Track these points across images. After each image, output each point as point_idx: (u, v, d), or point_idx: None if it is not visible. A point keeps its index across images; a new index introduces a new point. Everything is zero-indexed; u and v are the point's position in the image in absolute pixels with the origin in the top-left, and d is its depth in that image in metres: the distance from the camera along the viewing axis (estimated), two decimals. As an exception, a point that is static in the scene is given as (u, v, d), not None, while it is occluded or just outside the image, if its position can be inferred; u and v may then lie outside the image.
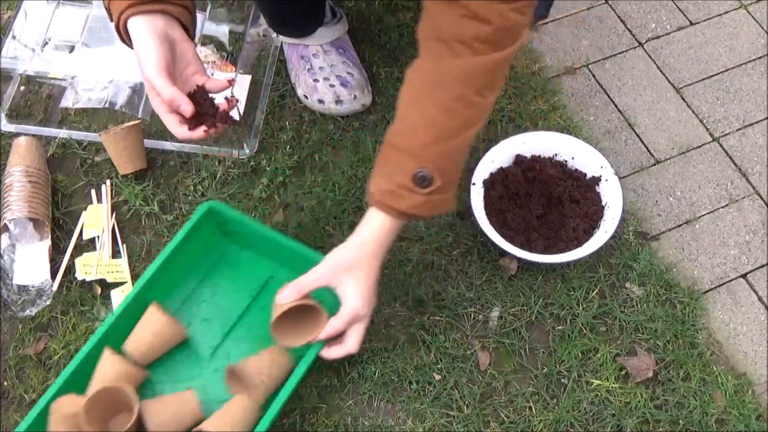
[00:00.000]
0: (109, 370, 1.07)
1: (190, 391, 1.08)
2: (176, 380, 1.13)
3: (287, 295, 1.04)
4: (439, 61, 0.95)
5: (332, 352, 1.08)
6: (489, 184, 1.29)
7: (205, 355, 1.15)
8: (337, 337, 1.07)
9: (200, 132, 1.01)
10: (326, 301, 1.08)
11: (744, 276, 1.27)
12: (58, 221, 1.29)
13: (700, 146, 1.40)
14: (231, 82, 1.04)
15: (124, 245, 1.26)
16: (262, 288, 1.21)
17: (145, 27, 0.97)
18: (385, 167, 1.01)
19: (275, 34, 1.45)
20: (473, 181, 1.28)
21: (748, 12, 1.56)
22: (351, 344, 1.07)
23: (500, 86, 1.01)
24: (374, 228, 1.03)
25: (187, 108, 0.98)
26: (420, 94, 0.97)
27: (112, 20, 1.00)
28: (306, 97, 1.38)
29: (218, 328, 1.18)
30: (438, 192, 0.99)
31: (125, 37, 1.00)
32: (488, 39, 0.92)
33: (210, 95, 1.03)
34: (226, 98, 1.04)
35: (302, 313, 1.07)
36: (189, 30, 1.03)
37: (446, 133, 0.97)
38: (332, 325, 1.05)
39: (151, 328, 1.11)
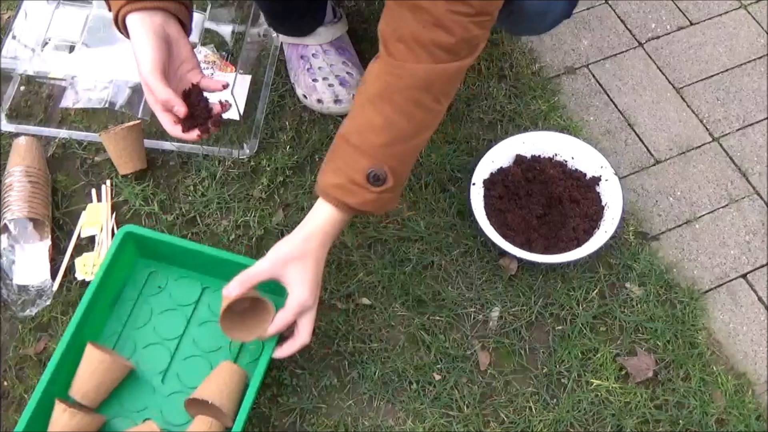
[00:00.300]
0: (64, 425, 1.04)
1: (149, 422, 1.08)
2: (131, 412, 1.11)
3: (232, 289, 1.03)
4: (400, 63, 0.96)
5: (285, 350, 1.07)
6: (489, 184, 1.29)
7: (156, 382, 1.14)
8: (288, 332, 1.07)
9: (193, 135, 1.02)
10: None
11: (744, 276, 1.27)
12: (58, 221, 1.29)
13: (700, 146, 1.40)
14: (225, 87, 1.05)
15: (124, 245, 1.27)
16: (198, 301, 1.20)
17: (142, 25, 0.98)
18: (337, 162, 1.01)
19: (275, 34, 1.45)
20: (473, 181, 1.28)
21: (748, 12, 1.56)
22: (303, 336, 1.06)
23: (454, 94, 1.03)
24: (321, 221, 1.03)
25: (181, 109, 0.99)
26: (378, 95, 0.98)
27: (110, 10, 1.01)
28: (305, 96, 1.38)
29: (162, 351, 1.16)
30: (388, 191, 1.01)
31: (123, 31, 1.01)
32: (449, 48, 0.94)
33: (205, 95, 1.04)
34: (220, 101, 1.05)
35: (250, 308, 1.07)
36: (186, 26, 1.03)
37: (402, 136, 0.99)
38: (281, 319, 1.04)
39: (96, 370, 1.08)
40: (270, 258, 1.04)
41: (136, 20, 0.98)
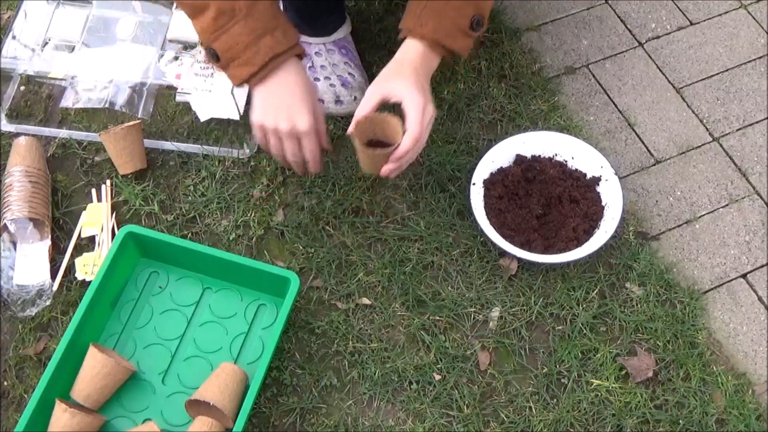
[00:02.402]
0: (64, 425, 1.05)
1: (150, 423, 1.08)
2: (132, 412, 1.12)
3: (361, 110, 1.11)
4: None
5: (401, 149, 1.10)
6: (489, 184, 1.29)
7: (156, 382, 1.14)
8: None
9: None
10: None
11: (744, 276, 1.27)
12: (58, 221, 1.29)
13: (700, 146, 1.40)
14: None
15: (124, 245, 1.26)
16: (198, 302, 1.20)
17: (299, 72, 1.10)
18: (439, 11, 1.10)
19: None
20: (473, 181, 1.28)
21: (748, 12, 1.56)
22: (415, 128, 1.10)
23: None
24: (412, 54, 1.12)
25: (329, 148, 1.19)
26: None
27: (219, 66, 1.11)
28: (306, 96, 1.38)
29: (163, 351, 1.16)
30: (480, 34, 1.16)
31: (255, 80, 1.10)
32: None
33: None
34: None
35: (378, 127, 1.14)
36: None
37: None
38: (413, 124, 1.09)
39: (99, 373, 1.08)
40: (373, 84, 1.13)
41: (292, 67, 1.09)
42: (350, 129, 1.13)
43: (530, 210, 1.27)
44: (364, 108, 1.12)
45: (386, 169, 1.13)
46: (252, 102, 1.14)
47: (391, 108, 1.12)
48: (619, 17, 1.56)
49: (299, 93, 1.11)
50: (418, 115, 1.08)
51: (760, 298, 1.25)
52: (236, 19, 1.05)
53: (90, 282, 1.15)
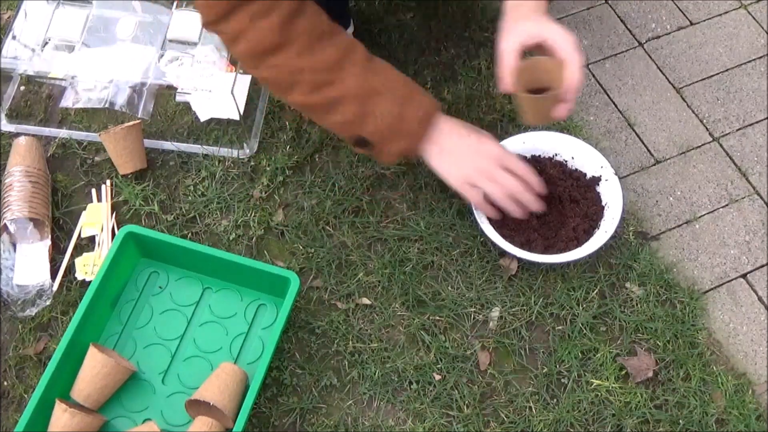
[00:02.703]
0: (64, 425, 1.05)
1: (150, 423, 1.08)
2: (132, 412, 1.12)
3: (504, 69, 1.05)
4: None
5: (570, 84, 1.04)
6: (489, 184, 1.29)
7: (156, 382, 1.14)
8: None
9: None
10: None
11: (744, 276, 1.27)
12: (58, 221, 1.29)
13: (700, 146, 1.40)
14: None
15: (124, 245, 1.26)
16: (198, 302, 1.20)
17: (460, 122, 1.09)
18: None
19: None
20: (473, 181, 1.28)
21: (748, 12, 1.56)
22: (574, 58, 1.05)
23: None
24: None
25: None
26: None
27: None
28: (306, 96, 1.38)
29: (163, 351, 1.16)
30: None
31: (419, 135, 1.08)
32: None
33: None
34: None
35: (534, 74, 1.07)
36: None
37: None
38: (570, 53, 1.02)
39: (99, 373, 1.08)
40: (503, 38, 1.05)
41: (445, 118, 1.10)
42: (507, 87, 1.06)
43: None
44: (509, 62, 1.05)
45: (564, 109, 1.07)
46: (436, 169, 1.12)
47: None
48: (619, 17, 1.56)
49: (468, 131, 1.08)
50: (571, 43, 1.02)
51: (760, 298, 1.25)
52: (378, 98, 1.03)
53: (90, 282, 1.15)
